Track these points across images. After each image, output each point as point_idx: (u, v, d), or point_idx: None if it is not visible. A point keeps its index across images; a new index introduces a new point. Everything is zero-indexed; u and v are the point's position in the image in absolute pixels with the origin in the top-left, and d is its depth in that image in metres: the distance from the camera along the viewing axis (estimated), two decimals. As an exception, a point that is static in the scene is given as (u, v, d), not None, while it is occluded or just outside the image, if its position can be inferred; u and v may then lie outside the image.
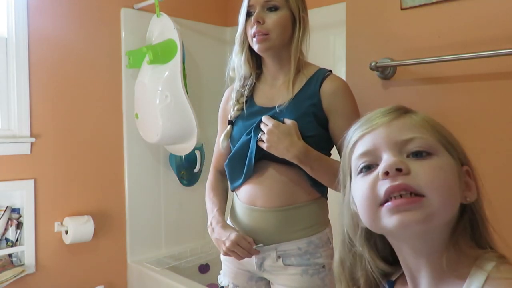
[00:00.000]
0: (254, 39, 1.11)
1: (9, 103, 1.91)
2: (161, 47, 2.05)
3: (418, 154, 0.59)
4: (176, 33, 2.05)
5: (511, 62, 1.05)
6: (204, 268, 2.40)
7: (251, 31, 1.11)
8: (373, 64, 1.25)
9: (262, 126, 1.10)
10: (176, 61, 2.04)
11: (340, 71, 2.09)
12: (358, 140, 0.65)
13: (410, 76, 1.24)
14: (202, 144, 2.41)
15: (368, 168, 0.61)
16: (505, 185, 1.08)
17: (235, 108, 1.21)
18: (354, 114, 1.08)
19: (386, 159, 0.58)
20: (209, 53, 2.52)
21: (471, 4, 1.11)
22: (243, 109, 1.20)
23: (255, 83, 1.21)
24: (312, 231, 1.14)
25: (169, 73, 2.05)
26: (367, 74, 1.31)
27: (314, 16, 2.20)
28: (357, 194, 0.62)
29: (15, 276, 1.80)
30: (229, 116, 1.23)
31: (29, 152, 1.92)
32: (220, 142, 1.24)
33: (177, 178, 2.40)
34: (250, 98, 1.21)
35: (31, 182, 1.93)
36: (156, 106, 2.04)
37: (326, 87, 1.11)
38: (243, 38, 1.16)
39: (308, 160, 1.07)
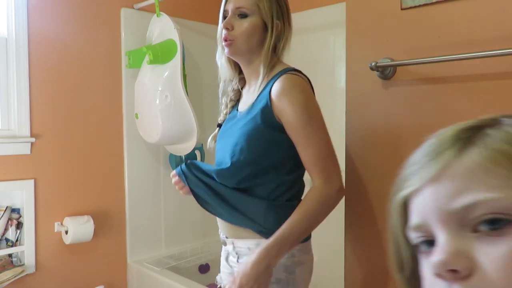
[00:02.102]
0: (223, 43, 1.14)
1: (9, 103, 1.91)
2: (161, 47, 2.05)
3: (492, 223, 0.36)
4: (176, 33, 2.05)
5: (511, 62, 1.05)
6: (204, 268, 2.40)
7: (222, 36, 1.15)
8: (373, 64, 1.25)
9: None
10: (176, 61, 2.04)
11: (340, 71, 2.10)
12: (409, 196, 0.44)
13: (410, 76, 1.24)
14: (202, 144, 2.41)
15: (428, 244, 0.41)
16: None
17: (224, 112, 1.24)
18: (303, 113, 1.03)
19: (438, 247, 0.39)
20: (209, 53, 2.50)
21: (471, 4, 1.11)
22: (230, 113, 1.24)
23: (241, 87, 1.24)
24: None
25: (169, 73, 2.05)
26: (367, 74, 1.30)
27: (314, 16, 2.21)
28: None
29: (15, 276, 1.80)
30: (218, 119, 1.27)
31: (29, 152, 1.92)
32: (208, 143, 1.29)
33: (177, 178, 2.40)
34: (237, 103, 1.25)
35: (31, 182, 1.93)
36: (156, 106, 2.04)
37: (274, 89, 1.08)
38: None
39: (277, 254, 1.02)
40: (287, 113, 1.04)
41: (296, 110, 1.03)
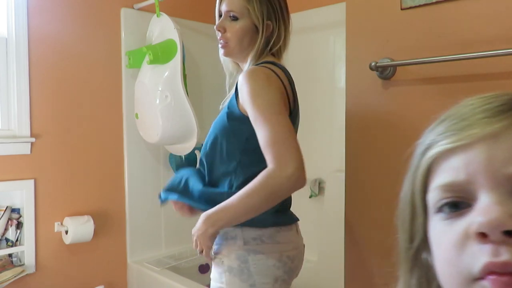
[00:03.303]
0: (219, 44, 1.20)
1: (9, 103, 1.91)
2: (161, 47, 2.05)
3: None
4: (176, 33, 2.05)
5: (511, 62, 1.05)
6: (204, 268, 2.40)
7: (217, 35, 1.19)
8: (373, 64, 1.25)
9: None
10: (176, 61, 2.04)
11: (340, 71, 2.10)
12: (443, 154, 0.41)
13: (410, 76, 1.24)
14: (202, 144, 2.40)
15: (455, 207, 0.39)
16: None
17: (222, 106, 1.26)
18: (255, 98, 1.03)
19: (486, 207, 0.36)
20: (209, 53, 2.51)
21: (471, 4, 1.11)
22: None
23: None
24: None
25: (169, 73, 2.05)
26: (367, 74, 1.30)
27: (314, 16, 2.21)
28: (437, 248, 0.41)
29: (15, 276, 1.80)
30: None
31: (29, 152, 1.92)
32: None
33: (177, 178, 2.40)
34: None
35: (31, 182, 1.93)
36: (156, 106, 2.04)
37: (238, 81, 1.11)
38: None
39: (214, 223, 1.07)
40: (246, 102, 1.06)
41: (250, 97, 1.04)
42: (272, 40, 1.17)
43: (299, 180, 0.98)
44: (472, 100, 0.44)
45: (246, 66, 1.18)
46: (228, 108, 1.13)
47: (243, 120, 1.08)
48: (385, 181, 1.31)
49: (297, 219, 1.20)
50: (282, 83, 1.08)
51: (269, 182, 0.98)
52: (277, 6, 1.16)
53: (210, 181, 1.20)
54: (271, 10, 1.15)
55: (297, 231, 1.20)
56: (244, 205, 1.01)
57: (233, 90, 1.17)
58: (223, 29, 1.16)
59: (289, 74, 1.14)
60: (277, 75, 1.09)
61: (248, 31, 1.15)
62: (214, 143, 1.16)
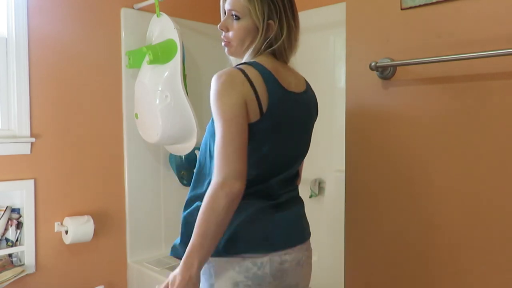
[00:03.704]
0: (222, 43, 1.19)
1: (9, 103, 1.91)
2: (161, 47, 2.05)
3: None
4: (176, 33, 2.05)
5: (511, 62, 1.06)
6: (204, 268, 2.40)
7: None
8: (373, 64, 1.25)
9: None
10: (176, 61, 2.04)
11: (340, 71, 2.10)
12: None
13: (410, 76, 1.24)
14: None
15: None
16: (506, 183, 1.08)
17: None
18: (213, 103, 1.03)
19: None
20: (209, 53, 2.52)
21: (471, 4, 1.11)
22: None
23: None
24: None
25: (169, 73, 2.05)
26: (367, 74, 1.31)
27: (314, 16, 2.21)
28: None
29: (15, 276, 1.81)
30: None
31: (29, 152, 1.92)
32: None
33: (177, 178, 2.40)
34: None
35: (31, 182, 1.93)
36: (156, 106, 2.04)
37: None
38: None
39: (193, 262, 1.00)
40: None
41: (211, 101, 1.05)
42: (275, 41, 1.14)
43: (231, 187, 0.98)
44: None
45: None
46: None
47: None
48: (385, 181, 1.31)
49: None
50: (252, 86, 1.04)
51: (210, 197, 0.99)
52: (280, 5, 1.14)
53: (198, 180, 1.21)
54: (273, 10, 1.13)
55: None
56: (203, 230, 0.99)
57: None
58: (225, 28, 1.16)
59: (270, 77, 1.08)
60: (247, 77, 1.04)
61: (250, 31, 1.13)
62: (205, 143, 1.17)
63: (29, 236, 1.93)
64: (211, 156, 1.12)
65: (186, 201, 1.22)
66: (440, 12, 1.17)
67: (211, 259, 1.07)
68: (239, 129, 1.01)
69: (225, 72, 1.06)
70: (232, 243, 1.06)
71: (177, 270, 1.02)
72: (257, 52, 1.14)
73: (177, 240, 1.19)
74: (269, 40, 1.13)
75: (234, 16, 1.13)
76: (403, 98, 1.26)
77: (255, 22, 1.12)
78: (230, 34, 1.15)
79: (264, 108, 1.05)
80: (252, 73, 1.06)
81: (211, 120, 1.11)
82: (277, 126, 1.09)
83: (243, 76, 1.04)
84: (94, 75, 2.13)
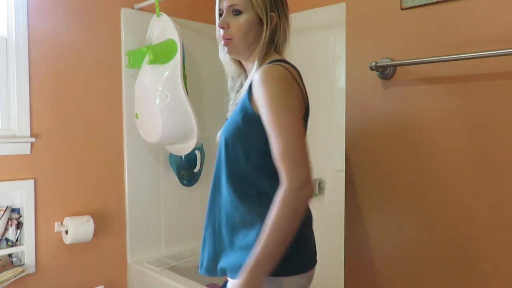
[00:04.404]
0: (221, 43, 1.14)
1: (9, 103, 1.91)
2: (161, 47, 2.05)
3: None
4: (176, 33, 2.05)
5: (511, 62, 1.05)
6: (204, 268, 2.40)
7: (219, 34, 1.13)
8: (373, 64, 1.25)
9: None
10: (176, 61, 2.04)
11: (340, 71, 2.10)
12: None
13: (410, 76, 1.24)
14: (202, 144, 2.41)
15: None
16: (506, 183, 1.08)
17: (232, 108, 1.20)
18: (274, 103, 0.99)
19: None
20: (209, 53, 2.51)
21: (471, 4, 1.11)
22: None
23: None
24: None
25: (169, 73, 2.05)
26: (367, 74, 1.31)
27: (314, 16, 2.21)
28: None
29: (15, 276, 1.80)
30: (227, 115, 1.22)
31: (29, 152, 1.92)
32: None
33: (177, 178, 2.40)
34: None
35: (31, 182, 1.93)
36: (156, 106, 2.04)
37: (253, 80, 1.06)
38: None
39: (259, 273, 0.96)
40: (261, 103, 1.01)
41: (267, 101, 0.99)
42: (278, 33, 1.12)
43: (306, 191, 0.95)
44: None
45: (254, 65, 1.12)
46: (242, 110, 1.07)
47: (258, 120, 1.03)
48: (385, 181, 1.31)
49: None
50: (297, 83, 1.05)
51: (285, 202, 0.95)
52: (278, 0, 1.13)
53: (236, 194, 1.09)
54: (273, 2, 1.12)
55: None
56: (276, 238, 0.94)
57: (242, 91, 1.13)
58: (226, 25, 1.10)
59: (299, 74, 1.10)
60: (292, 75, 1.04)
61: (253, 24, 1.10)
62: (229, 150, 1.08)
63: (29, 236, 1.93)
64: (248, 160, 1.07)
65: (233, 222, 1.09)
66: (440, 12, 1.17)
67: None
68: (301, 129, 1.00)
69: (275, 70, 1.02)
70: (291, 262, 1.04)
71: (241, 281, 0.96)
72: (267, 49, 1.11)
73: (236, 261, 1.07)
74: (273, 35, 1.11)
75: (234, 12, 1.10)
76: (403, 98, 1.26)
77: (259, 15, 1.10)
78: (232, 30, 1.10)
79: (307, 105, 1.09)
80: (292, 70, 1.07)
81: (241, 122, 1.05)
82: (307, 121, 1.11)
83: (290, 75, 1.04)
84: (94, 75, 2.13)
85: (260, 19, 1.10)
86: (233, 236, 1.09)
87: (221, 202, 1.13)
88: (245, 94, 1.08)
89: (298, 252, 1.06)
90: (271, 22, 1.11)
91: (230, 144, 1.08)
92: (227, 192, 1.10)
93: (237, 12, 1.09)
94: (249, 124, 1.05)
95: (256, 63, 1.11)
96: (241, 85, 1.21)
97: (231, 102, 1.23)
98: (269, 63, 1.08)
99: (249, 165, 1.07)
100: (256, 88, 1.03)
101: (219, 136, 1.15)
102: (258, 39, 1.11)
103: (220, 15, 1.14)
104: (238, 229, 1.08)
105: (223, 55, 1.20)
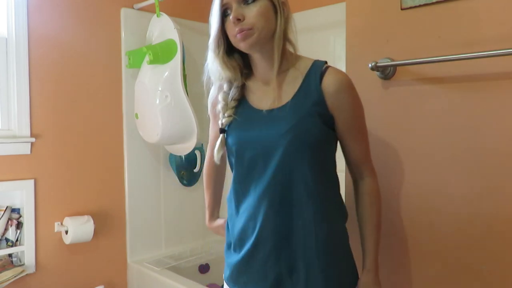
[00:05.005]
0: (238, 37, 0.99)
1: (9, 103, 1.91)
2: (161, 47, 2.05)
3: None
4: (176, 33, 2.05)
5: (511, 62, 1.05)
6: (204, 268, 2.40)
7: (233, 31, 1.00)
8: (373, 64, 1.25)
9: None
10: (176, 61, 2.04)
11: (340, 71, 2.09)
12: None
13: (410, 76, 1.24)
14: (202, 144, 2.41)
15: None
16: (506, 183, 1.08)
17: (226, 114, 1.09)
18: (360, 108, 1.07)
19: None
20: (209, 53, 2.52)
21: (471, 4, 1.11)
22: (235, 114, 1.09)
23: (244, 83, 1.11)
24: None
25: (169, 73, 2.05)
26: (367, 74, 1.30)
27: (314, 16, 2.21)
28: None
29: (15, 276, 1.80)
30: (219, 123, 1.11)
31: (29, 152, 1.92)
32: (214, 151, 1.10)
33: (177, 178, 2.40)
34: (243, 101, 1.09)
35: (31, 182, 1.93)
36: (156, 106, 2.04)
37: (329, 83, 1.00)
38: (218, 42, 1.04)
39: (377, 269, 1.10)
40: (346, 109, 1.02)
41: (356, 107, 1.05)
42: (291, 24, 1.04)
43: None
44: None
45: (275, 58, 1.01)
46: (318, 109, 1.00)
47: (331, 124, 1.03)
48: (385, 181, 1.31)
49: None
50: None
51: (379, 194, 1.12)
52: None
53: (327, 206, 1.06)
54: None
55: None
56: (380, 229, 1.11)
57: (289, 90, 1.04)
58: (242, 16, 0.98)
59: None
60: None
61: (270, 11, 1.00)
62: (313, 159, 1.01)
63: (29, 236, 1.93)
64: (333, 164, 1.10)
65: (321, 240, 1.04)
66: (440, 12, 1.17)
67: None
68: None
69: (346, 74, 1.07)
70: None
71: (370, 279, 1.07)
72: (289, 37, 1.04)
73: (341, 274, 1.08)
74: (287, 22, 1.03)
75: (247, 0, 0.98)
76: (403, 98, 1.25)
77: (272, 0, 1.00)
78: (251, 18, 0.97)
79: None
80: None
81: (322, 125, 1.00)
82: None
83: None
84: (94, 75, 2.13)
85: (274, 5, 1.01)
86: (327, 250, 1.04)
87: (301, 223, 1.02)
88: (316, 96, 1.00)
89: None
90: (283, 9, 1.02)
91: (317, 150, 1.01)
92: (316, 209, 1.02)
93: (248, 1, 0.98)
94: (327, 127, 1.02)
95: (276, 56, 1.01)
96: (238, 88, 1.09)
97: (223, 110, 1.10)
98: (325, 64, 1.06)
99: (330, 174, 1.10)
100: (341, 93, 1.01)
101: (218, 150, 1.08)
102: (274, 29, 1.01)
103: (223, 13, 1.02)
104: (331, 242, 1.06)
105: (213, 60, 1.07)
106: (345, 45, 1.40)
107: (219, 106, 1.11)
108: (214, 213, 1.36)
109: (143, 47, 2.09)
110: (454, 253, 1.18)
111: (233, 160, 1.10)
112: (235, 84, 1.09)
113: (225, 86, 1.10)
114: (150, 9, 2.21)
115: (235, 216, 1.12)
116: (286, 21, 1.03)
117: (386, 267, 1.27)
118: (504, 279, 1.09)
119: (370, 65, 1.25)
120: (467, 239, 1.15)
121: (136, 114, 2.17)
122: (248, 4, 0.98)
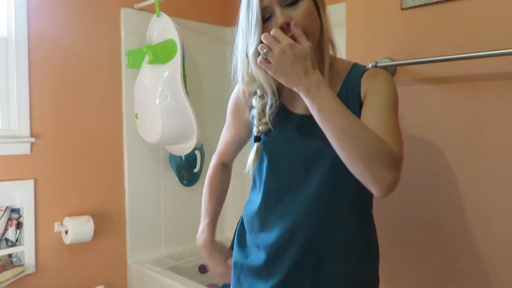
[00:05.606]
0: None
1: (9, 103, 1.91)
2: (161, 47, 2.05)
3: None
4: (176, 33, 2.05)
5: (511, 62, 1.05)
6: (204, 268, 2.40)
7: (282, 33, 0.85)
8: (373, 64, 1.25)
9: (268, 40, 0.82)
10: (176, 61, 2.04)
11: (340, 71, 2.09)
12: None
13: (410, 76, 1.24)
14: (202, 144, 2.41)
15: None
16: (506, 183, 1.08)
17: (262, 121, 0.98)
18: (393, 94, 0.93)
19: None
20: (209, 53, 2.52)
21: (471, 4, 1.11)
22: (273, 120, 0.97)
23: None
24: None
25: (169, 73, 2.05)
26: (367, 74, 1.30)
27: (314, 16, 2.21)
28: None
29: (15, 276, 1.80)
30: (255, 130, 0.99)
31: (29, 152, 1.92)
32: (248, 161, 0.99)
33: (177, 178, 2.40)
34: (280, 106, 0.98)
35: (31, 182, 1.93)
36: (156, 106, 2.04)
37: (367, 76, 0.95)
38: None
39: (319, 94, 0.82)
40: (375, 90, 0.93)
41: (388, 90, 0.94)
42: (330, 23, 0.95)
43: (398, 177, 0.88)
44: None
45: (325, 60, 0.92)
46: (357, 101, 0.93)
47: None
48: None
49: None
50: None
51: (386, 149, 0.84)
52: None
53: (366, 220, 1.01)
54: None
55: None
56: (346, 126, 0.82)
57: (339, 91, 0.95)
58: (289, 18, 0.86)
59: None
60: None
61: (315, 11, 0.91)
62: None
63: (29, 236, 1.93)
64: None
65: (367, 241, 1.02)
66: (440, 12, 1.17)
67: None
68: None
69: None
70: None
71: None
72: (331, 38, 0.96)
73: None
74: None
75: (291, 3, 0.88)
76: (403, 98, 1.25)
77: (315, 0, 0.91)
78: (303, 21, 0.87)
79: None
80: None
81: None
82: None
83: None
84: (94, 75, 2.13)
85: (317, 6, 0.92)
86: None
87: (336, 238, 0.95)
88: (358, 98, 0.94)
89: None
90: (324, 6, 0.95)
91: None
92: (361, 221, 0.99)
93: (293, 2, 0.88)
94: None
95: (326, 59, 0.93)
96: (276, 98, 0.96)
97: (257, 111, 0.98)
98: (360, 67, 0.99)
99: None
100: (376, 79, 0.94)
101: (253, 160, 0.98)
102: (321, 26, 0.93)
103: (263, 17, 0.88)
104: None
105: (256, 69, 0.91)
106: (345, 45, 1.40)
107: (254, 112, 0.99)
108: (214, 230, 1.17)
109: (143, 47, 2.09)
110: (454, 253, 1.18)
111: (264, 168, 1.00)
112: (273, 89, 0.96)
113: (259, 91, 0.98)
114: (150, 9, 2.21)
115: (257, 231, 1.03)
116: (327, 19, 0.94)
117: (386, 267, 1.27)
118: (504, 279, 1.09)
119: (370, 65, 1.25)
120: (467, 239, 1.15)
121: (136, 114, 2.17)
122: (291, 5, 0.88)
